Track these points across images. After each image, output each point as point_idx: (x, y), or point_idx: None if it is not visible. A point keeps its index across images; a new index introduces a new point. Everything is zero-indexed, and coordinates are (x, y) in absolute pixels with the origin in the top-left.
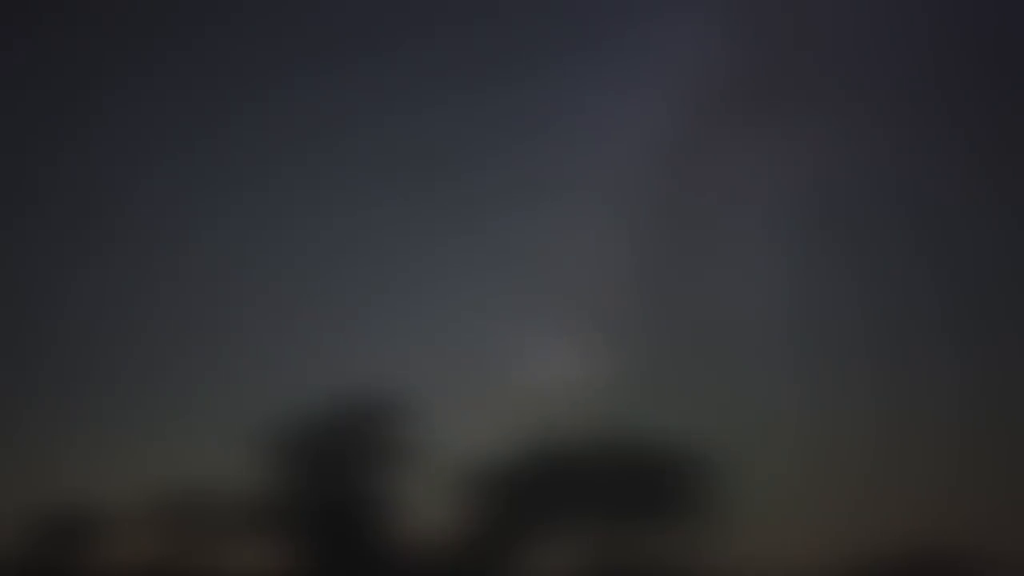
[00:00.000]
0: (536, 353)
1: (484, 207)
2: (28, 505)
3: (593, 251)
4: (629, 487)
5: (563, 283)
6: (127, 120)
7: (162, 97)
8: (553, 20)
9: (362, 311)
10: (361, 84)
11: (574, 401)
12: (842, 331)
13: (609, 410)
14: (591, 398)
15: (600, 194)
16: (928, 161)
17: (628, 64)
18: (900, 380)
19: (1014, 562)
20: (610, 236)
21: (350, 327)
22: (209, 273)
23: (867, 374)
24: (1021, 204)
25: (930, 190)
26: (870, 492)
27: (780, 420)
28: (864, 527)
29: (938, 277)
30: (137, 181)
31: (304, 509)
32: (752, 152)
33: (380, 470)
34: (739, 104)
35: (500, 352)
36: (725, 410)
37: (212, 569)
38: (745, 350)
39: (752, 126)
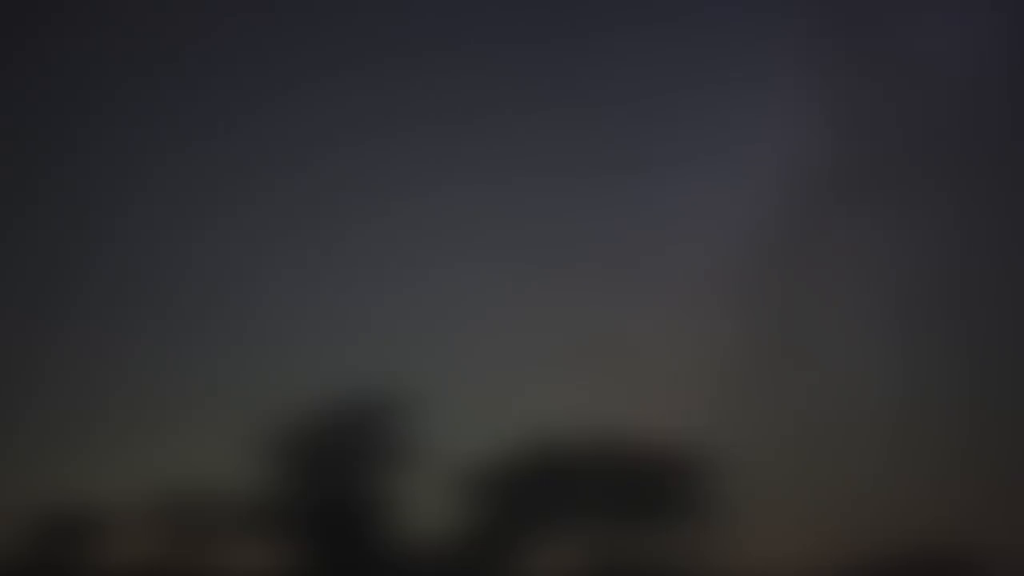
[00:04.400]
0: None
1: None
2: (28, 505)
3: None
4: (629, 488)
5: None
6: (140, 118)
7: (175, 96)
8: (652, 104)
9: (364, 312)
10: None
11: (574, 402)
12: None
13: (608, 411)
14: (590, 400)
15: (683, 275)
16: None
17: (723, 149)
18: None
19: (1014, 562)
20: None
21: (351, 327)
22: (210, 273)
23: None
24: None
25: None
26: (870, 494)
27: (780, 421)
28: (865, 529)
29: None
30: (138, 181)
31: (304, 509)
32: (848, 239)
33: (380, 470)
34: (834, 191)
35: (502, 353)
36: (723, 407)
37: (212, 569)
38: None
39: (847, 214)
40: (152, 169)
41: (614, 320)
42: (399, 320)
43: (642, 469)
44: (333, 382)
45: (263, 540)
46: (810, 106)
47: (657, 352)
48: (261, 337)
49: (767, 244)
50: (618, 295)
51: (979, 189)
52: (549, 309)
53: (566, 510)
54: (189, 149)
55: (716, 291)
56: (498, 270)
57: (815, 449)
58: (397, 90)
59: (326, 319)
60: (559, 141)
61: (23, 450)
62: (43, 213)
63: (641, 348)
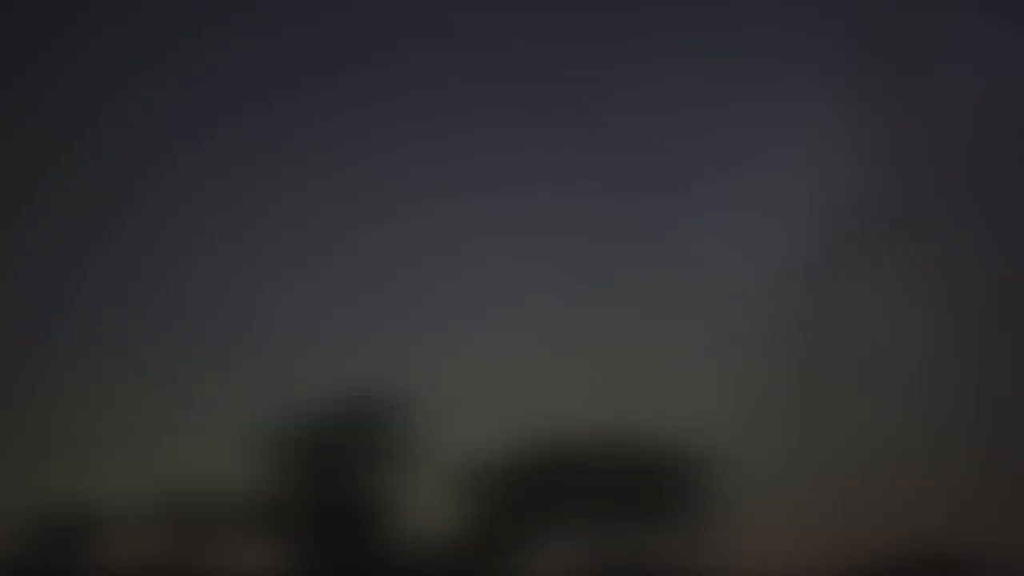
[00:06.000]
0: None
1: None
2: (28, 505)
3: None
4: (630, 489)
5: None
6: (141, 118)
7: (176, 96)
8: (688, 138)
9: (364, 311)
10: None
11: (576, 403)
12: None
13: (610, 412)
14: (590, 398)
15: (686, 278)
16: None
17: (753, 169)
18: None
19: (1014, 562)
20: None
21: (351, 327)
22: (211, 272)
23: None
24: None
25: None
26: (871, 497)
27: (779, 420)
28: (866, 530)
29: None
30: (138, 181)
31: (304, 509)
32: (880, 277)
33: (381, 470)
34: (867, 227)
35: (504, 354)
36: (724, 409)
37: (212, 569)
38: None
39: (879, 250)
40: (151, 169)
41: (616, 322)
42: (402, 321)
43: (644, 470)
44: (335, 381)
45: (263, 540)
46: (845, 133)
47: (659, 355)
48: (262, 337)
49: (784, 260)
50: (622, 298)
51: (1016, 220)
52: (551, 311)
53: (567, 510)
54: (189, 150)
55: (720, 293)
56: (500, 272)
57: (816, 450)
58: (412, 91)
59: (329, 318)
60: (579, 149)
61: (23, 450)
62: (43, 214)
63: (643, 351)
